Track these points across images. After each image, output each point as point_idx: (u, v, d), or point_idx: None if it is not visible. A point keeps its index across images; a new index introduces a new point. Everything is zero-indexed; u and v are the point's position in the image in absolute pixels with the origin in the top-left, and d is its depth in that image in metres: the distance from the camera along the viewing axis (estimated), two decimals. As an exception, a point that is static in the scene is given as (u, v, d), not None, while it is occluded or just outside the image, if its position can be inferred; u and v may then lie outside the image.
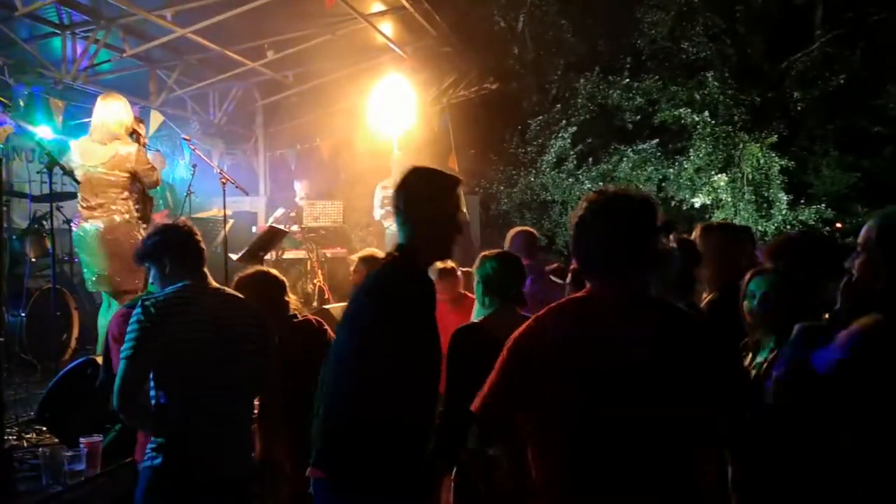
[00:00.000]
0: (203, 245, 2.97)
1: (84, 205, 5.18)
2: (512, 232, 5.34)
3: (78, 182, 5.24)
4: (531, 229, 5.15)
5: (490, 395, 2.11)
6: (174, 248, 2.91)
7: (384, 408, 2.29)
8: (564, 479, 2.03)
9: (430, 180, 2.54)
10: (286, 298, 3.55)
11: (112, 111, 5.22)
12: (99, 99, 5.38)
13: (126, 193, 5.18)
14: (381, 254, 4.61)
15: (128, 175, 5.18)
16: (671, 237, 3.21)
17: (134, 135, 5.37)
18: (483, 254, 3.36)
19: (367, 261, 4.48)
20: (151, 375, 2.76)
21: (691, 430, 1.99)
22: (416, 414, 2.36)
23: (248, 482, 2.97)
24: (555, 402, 2.01)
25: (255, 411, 3.14)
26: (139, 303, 2.78)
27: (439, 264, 4.55)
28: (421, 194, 2.49)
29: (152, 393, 2.78)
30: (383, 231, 8.87)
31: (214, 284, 2.96)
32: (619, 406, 1.94)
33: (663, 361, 1.96)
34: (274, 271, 3.64)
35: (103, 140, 5.16)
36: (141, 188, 5.33)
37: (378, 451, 2.30)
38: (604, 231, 2.03)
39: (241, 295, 3.06)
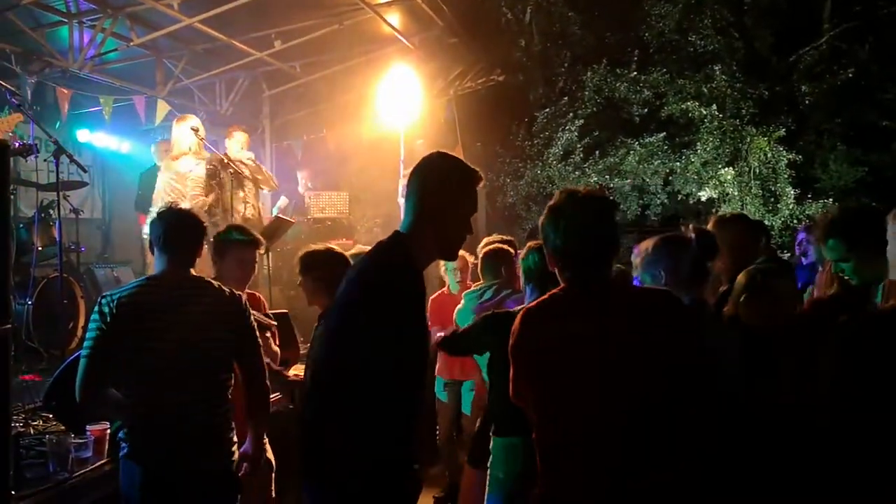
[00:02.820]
0: (189, 231, 2.99)
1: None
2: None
3: (86, 171, 5.84)
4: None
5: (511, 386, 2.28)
6: (160, 233, 2.97)
7: (368, 411, 2.09)
8: (548, 469, 2.13)
9: (451, 170, 2.30)
10: None
11: (178, 131, 6.69)
12: (175, 121, 6.92)
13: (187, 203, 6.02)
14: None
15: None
16: (690, 227, 3.13)
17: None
18: (529, 244, 3.33)
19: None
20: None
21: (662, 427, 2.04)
22: (403, 416, 2.16)
23: (226, 475, 2.97)
24: (537, 397, 2.15)
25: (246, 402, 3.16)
26: (97, 301, 2.85)
27: None
28: (438, 183, 2.26)
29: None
30: (389, 222, 8.87)
31: (183, 273, 2.95)
32: (592, 401, 2.04)
33: (633, 355, 2.05)
34: (338, 248, 3.59)
35: (174, 155, 6.69)
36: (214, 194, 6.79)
37: (368, 456, 2.10)
38: (595, 221, 2.16)
39: (214, 281, 3.05)
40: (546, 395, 2.11)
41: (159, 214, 3.01)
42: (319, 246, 3.58)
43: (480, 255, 4.59)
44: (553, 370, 2.09)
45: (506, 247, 4.60)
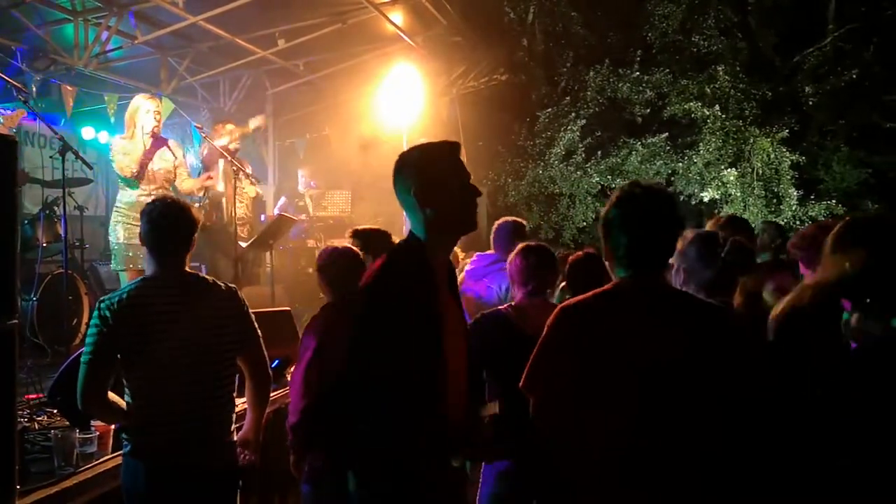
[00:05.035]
0: (181, 225, 2.89)
1: None
2: (497, 222, 4.90)
3: (91, 168, 5.72)
4: (517, 219, 4.88)
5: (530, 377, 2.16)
6: (147, 230, 2.89)
7: (385, 415, 2.10)
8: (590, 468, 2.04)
9: (427, 154, 2.29)
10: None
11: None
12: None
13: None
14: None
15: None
16: (731, 239, 3.02)
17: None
18: (520, 245, 3.37)
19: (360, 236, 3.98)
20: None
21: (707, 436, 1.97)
22: (420, 417, 2.13)
23: (229, 471, 2.98)
24: (582, 394, 2.04)
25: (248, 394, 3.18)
26: (97, 304, 2.80)
27: None
28: (424, 171, 2.24)
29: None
30: (392, 221, 8.88)
31: (179, 271, 2.91)
32: (645, 405, 1.97)
33: (693, 363, 1.97)
34: (353, 248, 3.56)
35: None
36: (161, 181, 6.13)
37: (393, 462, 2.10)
38: (645, 222, 2.06)
39: (210, 278, 3.04)
40: (578, 400, 2.02)
41: (145, 209, 2.91)
42: (338, 243, 3.56)
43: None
44: (592, 372, 2.00)
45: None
